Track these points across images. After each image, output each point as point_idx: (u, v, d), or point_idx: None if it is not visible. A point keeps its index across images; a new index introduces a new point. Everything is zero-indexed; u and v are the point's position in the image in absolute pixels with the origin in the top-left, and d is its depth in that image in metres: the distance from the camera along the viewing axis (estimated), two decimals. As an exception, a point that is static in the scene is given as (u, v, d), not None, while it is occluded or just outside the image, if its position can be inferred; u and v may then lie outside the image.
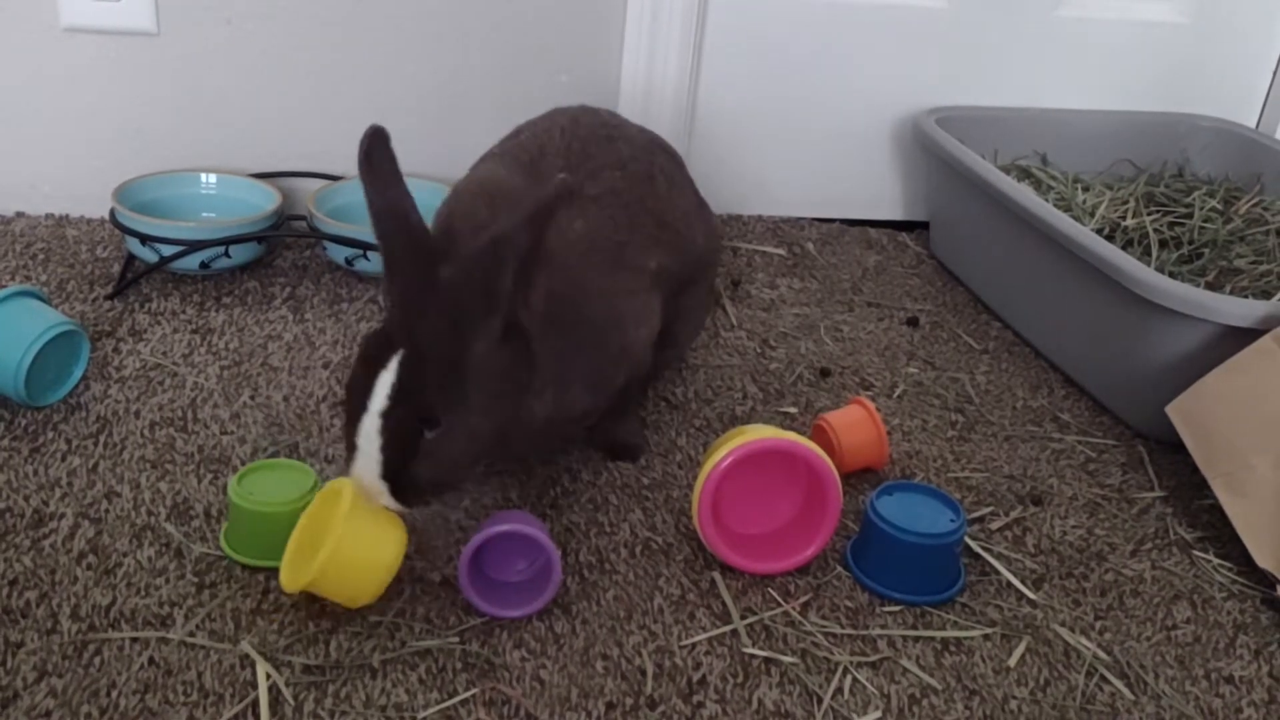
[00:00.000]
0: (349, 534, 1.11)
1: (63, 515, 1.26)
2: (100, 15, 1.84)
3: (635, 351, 1.35)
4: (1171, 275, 1.81)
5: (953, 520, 1.29)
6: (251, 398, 1.50)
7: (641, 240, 1.35)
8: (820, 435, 1.47)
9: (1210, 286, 1.80)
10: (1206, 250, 1.92)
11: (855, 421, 1.46)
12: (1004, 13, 2.17)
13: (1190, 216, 2.02)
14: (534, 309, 1.17)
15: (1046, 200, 1.94)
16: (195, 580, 1.19)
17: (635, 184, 1.39)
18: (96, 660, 1.09)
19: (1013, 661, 1.20)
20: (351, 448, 1.13)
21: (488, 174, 1.40)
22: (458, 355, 1.12)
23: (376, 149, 1.18)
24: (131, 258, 1.77)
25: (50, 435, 1.39)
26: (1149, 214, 1.99)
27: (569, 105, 1.51)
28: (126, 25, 1.85)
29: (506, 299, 1.11)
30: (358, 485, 1.13)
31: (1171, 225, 2.00)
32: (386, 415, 1.10)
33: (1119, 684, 1.19)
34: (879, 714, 1.12)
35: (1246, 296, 1.74)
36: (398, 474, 1.12)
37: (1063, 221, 1.70)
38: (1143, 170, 2.21)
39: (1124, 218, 1.98)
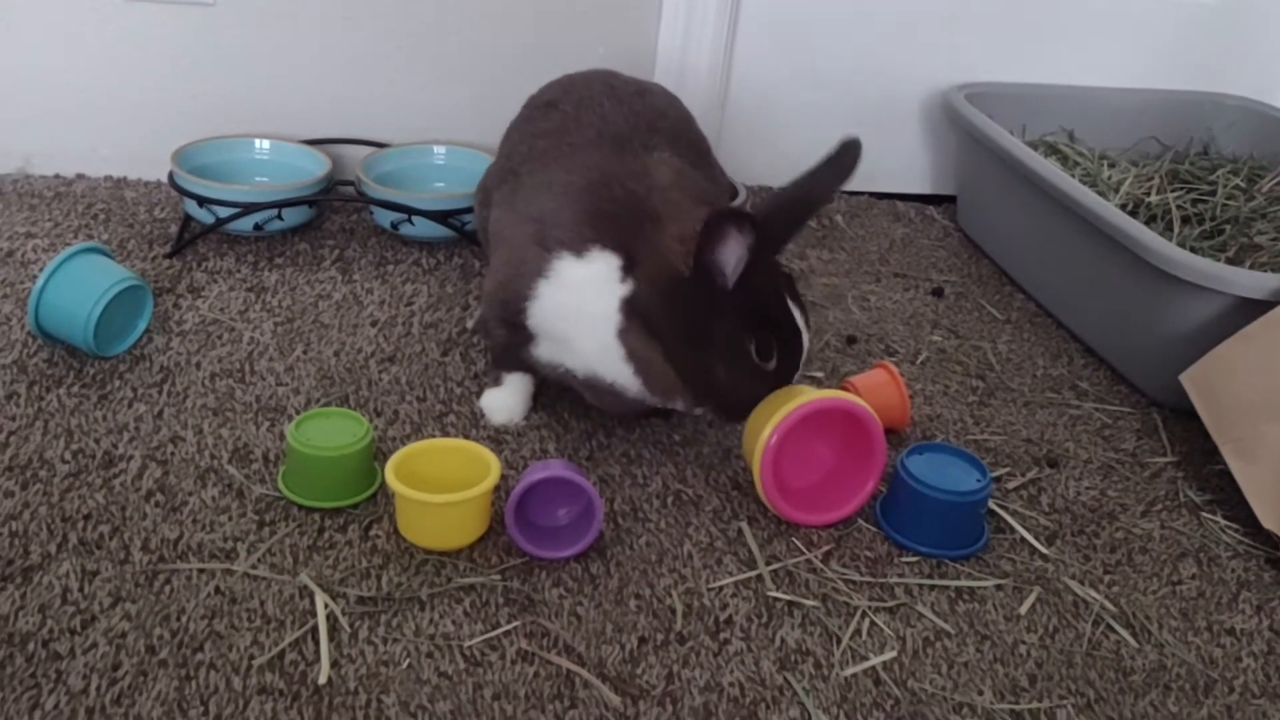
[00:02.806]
0: None
1: (131, 457, 1.35)
2: (160, -15, 1.92)
3: None
4: (1193, 251, 1.86)
5: (979, 480, 1.35)
6: (304, 352, 1.58)
7: (706, 176, 1.49)
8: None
9: (1231, 262, 1.85)
10: (1228, 227, 1.97)
11: (879, 384, 1.53)
12: (1035, -9, 2.22)
13: (1214, 194, 2.06)
14: None
15: (1072, 176, 1.99)
16: (256, 518, 1.28)
17: (682, 128, 1.53)
18: (166, 589, 1.17)
19: (1023, 610, 1.27)
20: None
21: (600, 162, 1.42)
22: None
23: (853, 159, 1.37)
24: (189, 219, 1.86)
25: (117, 384, 1.48)
26: (1173, 191, 2.04)
27: (574, 74, 1.59)
28: (184, -5, 1.93)
29: None
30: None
31: (1195, 202, 2.05)
32: None
33: (1124, 633, 1.25)
34: (894, 654, 1.19)
35: (1266, 271, 1.78)
36: None
37: (1085, 196, 1.75)
38: (1168, 148, 2.26)
39: (1148, 194, 2.03)
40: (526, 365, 1.47)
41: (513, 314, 1.40)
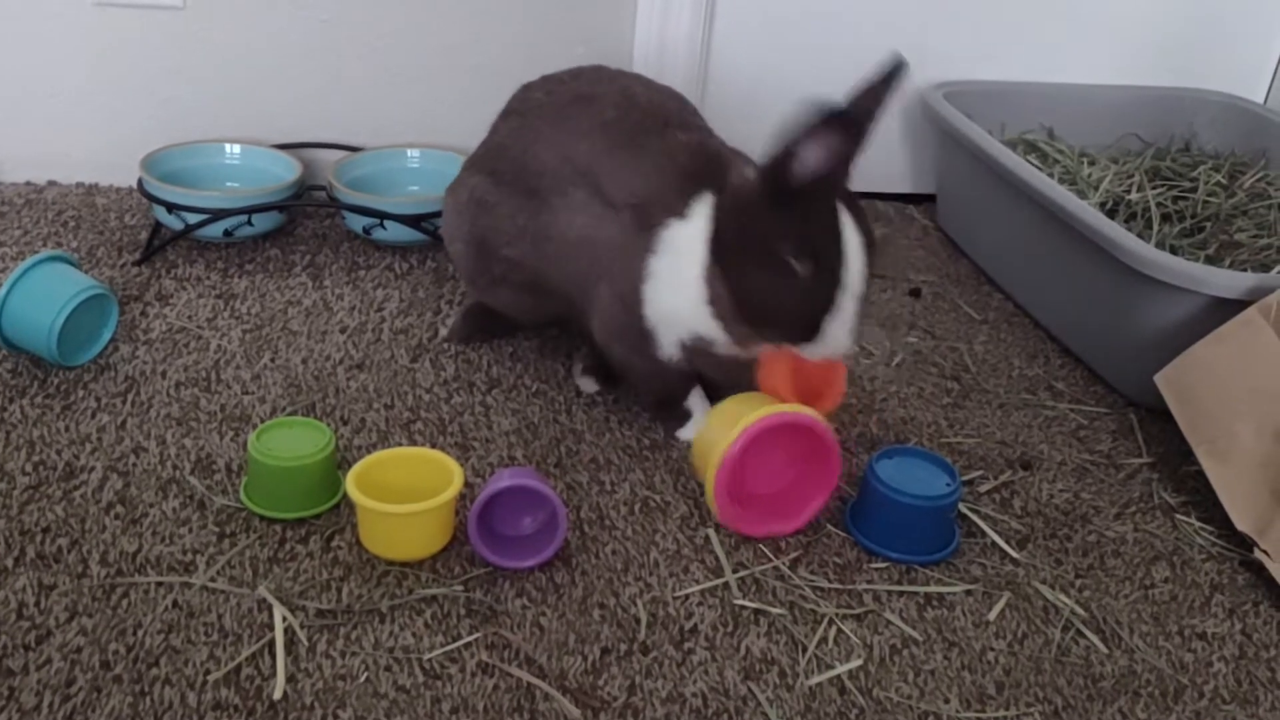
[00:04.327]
0: None
1: (92, 468, 1.34)
2: (129, -10, 1.90)
3: None
4: (1172, 249, 1.85)
5: (949, 484, 1.34)
6: (272, 360, 1.57)
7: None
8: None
9: (1210, 260, 1.83)
10: (1209, 224, 1.96)
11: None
12: (1013, -13, 2.20)
13: (1195, 190, 2.05)
14: None
15: (1052, 174, 1.98)
16: (216, 530, 1.26)
17: (685, 103, 1.55)
18: (124, 602, 1.16)
19: (992, 615, 1.26)
20: (830, 304, 1.28)
21: (679, 142, 1.43)
22: None
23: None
24: (158, 225, 1.84)
25: (81, 394, 1.46)
26: (1154, 188, 2.02)
27: (561, 72, 1.57)
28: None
29: None
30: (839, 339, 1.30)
31: (1176, 199, 2.04)
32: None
33: (1094, 638, 1.24)
34: (860, 662, 1.18)
35: (1246, 270, 1.77)
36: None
37: (1059, 194, 1.74)
38: (1149, 144, 2.24)
39: (1129, 191, 2.02)
40: (679, 379, 1.47)
41: (635, 313, 1.39)
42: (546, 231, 1.46)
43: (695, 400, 1.51)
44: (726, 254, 1.30)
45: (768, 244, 1.26)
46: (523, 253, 1.49)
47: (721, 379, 1.46)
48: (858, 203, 1.30)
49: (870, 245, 1.28)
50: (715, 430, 1.32)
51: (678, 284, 1.35)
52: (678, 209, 1.35)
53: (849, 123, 1.23)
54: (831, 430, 1.32)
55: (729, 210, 1.31)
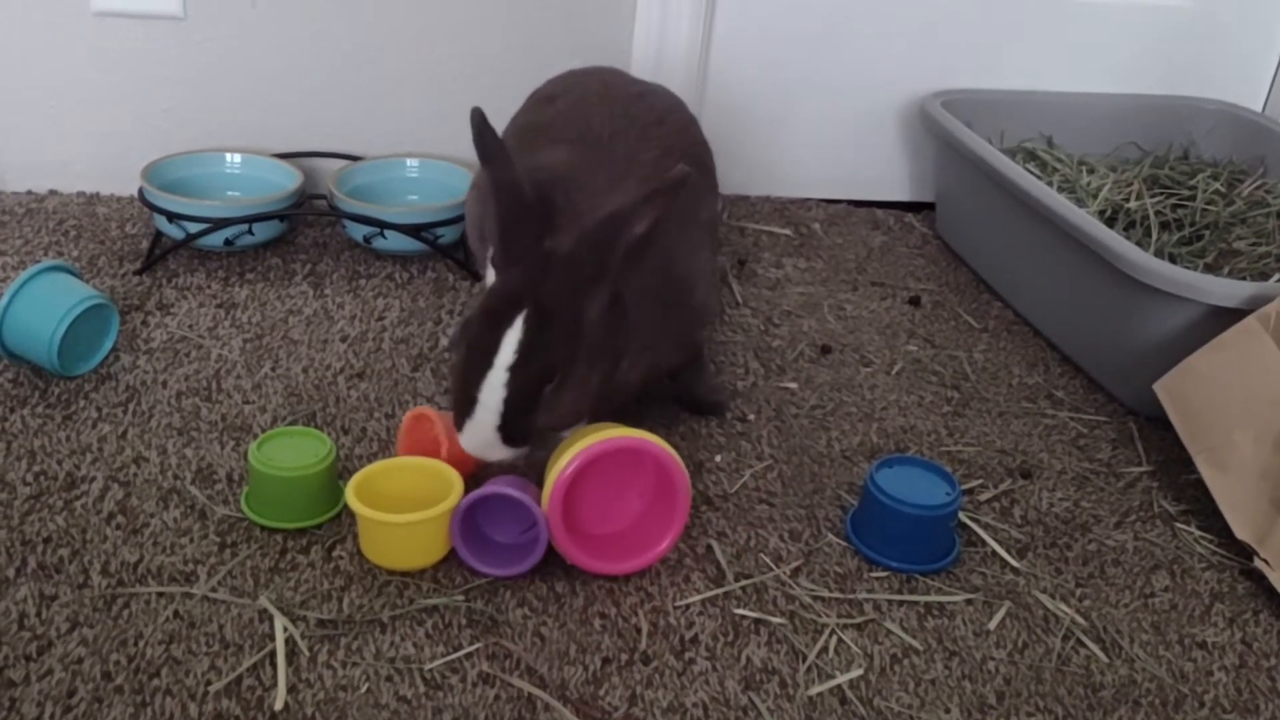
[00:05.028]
0: None
1: (93, 479, 1.34)
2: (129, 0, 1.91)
3: (711, 305, 1.50)
4: (1171, 257, 1.85)
5: (949, 493, 1.34)
6: (272, 369, 1.57)
7: (697, 193, 1.44)
8: (424, 424, 1.38)
9: (1209, 268, 1.84)
10: (1208, 232, 1.96)
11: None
12: (1012, -3, 2.21)
13: (1193, 199, 2.05)
14: (632, 277, 1.26)
15: (1051, 182, 1.98)
16: (217, 540, 1.26)
17: (680, 136, 1.50)
18: (125, 613, 1.16)
19: (993, 625, 1.26)
20: (470, 401, 1.21)
21: (557, 159, 1.41)
22: (575, 318, 1.22)
23: (485, 129, 1.28)
24: (159, 234, 1.84)
25: (82, 404, 1.46)
26: (1152, 196, 2.02)
27: (577, 69, 1.58)
28: (154, 9, 1.92)
29: (616, 270, 1.23)
30: (471, 440, 1.23)
31: (1174, 207, 2.04)
32: (514, 369, 1.20)
33: (1094, 647, 1.24)
34: (861, 672, 1.18)
35: (1244, 278, 1.78)
36: (515, 422, 1.22)
37: (1058, 203, 1.74)
38: (1148, 153, 2.24)
39: (1127, 200, 2.02)
40: None
41: None
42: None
43: None
44: None
45: None
46: None
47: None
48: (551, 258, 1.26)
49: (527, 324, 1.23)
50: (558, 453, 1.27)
51: None
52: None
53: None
54: (680, 464, 1.25)
55: None
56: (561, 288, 1.22)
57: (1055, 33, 2.25)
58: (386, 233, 1.83)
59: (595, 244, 1.22)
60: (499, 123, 1.57)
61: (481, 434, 1.22)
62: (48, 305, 1.47)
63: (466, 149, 1.69)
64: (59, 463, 1.36)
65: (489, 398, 1.21)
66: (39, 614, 1.15)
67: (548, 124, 1.49)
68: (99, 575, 1.20)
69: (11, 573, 1.19)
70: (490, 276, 1.62)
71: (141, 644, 1.12)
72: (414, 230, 1.84)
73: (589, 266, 1.22)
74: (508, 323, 1.20)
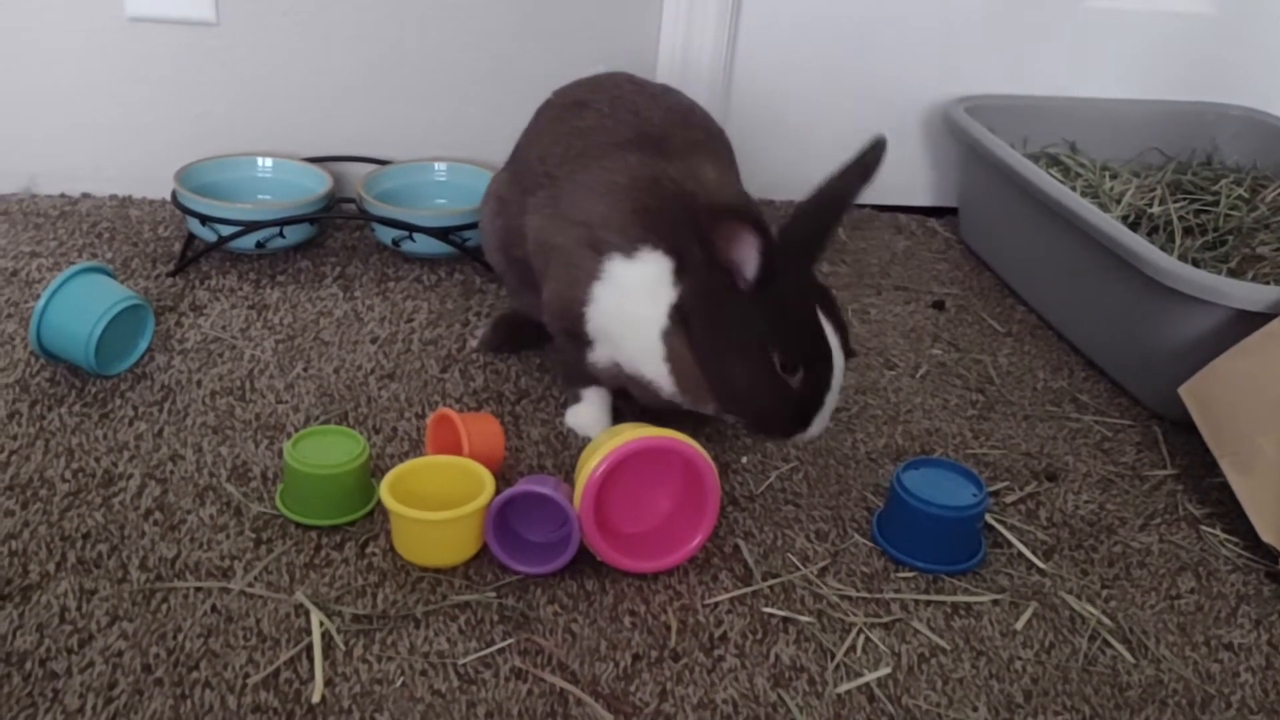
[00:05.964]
0: None
1: (131, 475, 1.36)
2: (163, 5, 1.93)
3: None
4: (1195, 262, 1.86)
5: (975, 494, 1.35)
6: (304, 369, 1.59)
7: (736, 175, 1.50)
8: (446, 425, 1.41)
9: (1232, 273, 1.84)
10: (1231, 237, 1.96)
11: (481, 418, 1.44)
12: (1035, 3, 2.22)
13: (1216, 204, 2.06)
14: None
15: (1074, 187, 1.99)
16: (253, 536, 1.28)
17: (711, 125, 1.54)
18: (164, 607, 1.18)
19: (1019, 625, 1.27)
20: (820, 403, 1.31)
21: (635, 165, 1.41)
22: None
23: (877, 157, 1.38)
24: (192, 237, 1.87)
25: (118, 402, 1.49)
26: (1175, 201, 2.03)
27: (586, 79, 1.58)
28: (188, 15, 1.95)
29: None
30: (819, 428, 1.32)
31: (1197, 213, 2.04)
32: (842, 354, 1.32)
33: (1121, 648, 1.25)
34: (889, 670, 1.19)
35: (1268, 283, 1.78)
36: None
37: (1083, 207, 1.75)
38: (1171, 158, 2.25)
39: (1150, 205, 2.03)
40: (593, 377, 1.49)
41: (571, 321, 1.42)
42: (524, 229, 1.50)
43: (594, 393, 1.52)
44: (700, 335, 1.31)
45: (753, 349, 1.28)
46: (523, 252, 1.52)
47: (648, 405, 1.45)
48: (829, 295, 1.35)
49: (845, 335, 1.33)
50: (589, 452, 1.30)
51: (625, 321, 1.37)
52: (624, 247, 1.36)
53: (750, 218, 1.24)
54: (710, 463, 1.27)
55: (701, 294, 1.31)
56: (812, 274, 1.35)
57: (1079, 39, 2.26)
58: (415, 236, 1.86)
59: (819, 228, 1.35)
60: (520, 124, 1.60)
61: (824, 422, 1.33)
62: (85, 306, 1.49)
63: (493, 153, 1.72)
64: (97, 460, 1.38)
65: (834, 391, 1.31)
66: (79, 607, 1.17)
67: (594, 128, 1.47)
68: (137, 570, 1.22)
69: (52, 567, 1.21)
70: (514, 296, 1.65)
71: (180, 637, 1.14)
72: (442, 233, 1.86)
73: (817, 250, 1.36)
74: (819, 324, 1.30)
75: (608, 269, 1.36)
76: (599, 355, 1.44)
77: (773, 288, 1.27)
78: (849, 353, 1.33)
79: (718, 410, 1.35)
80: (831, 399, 1.31)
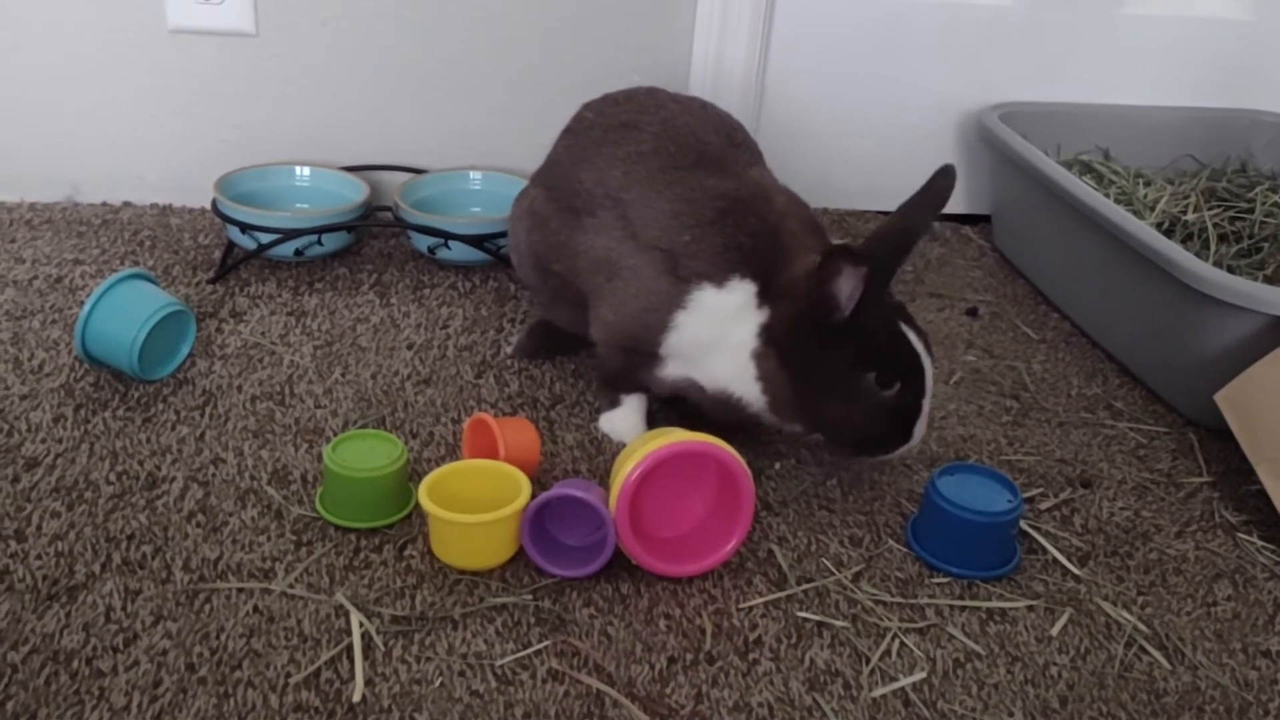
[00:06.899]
0: None
1: (174, 479, 1.38)
2: (203, 17, 1.97)
3: None
4: (1230, 269, 1.85)
5: (1010, 500, 1.35)
6: (342, 375, 1.61)
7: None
8: (482, 430, 1.43)
9: (1269, 280, 1.84)
10: (1266, 244, 1.96)
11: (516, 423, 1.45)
12: (1068, 10, 2.22)
13: (1252, 211, 2.05)
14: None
15: (1108, 195, 1.99)
16: (294, 538, 1.30)
17: (747, 136, 1.58)
18: (206, 607, 1.20)
19: (1055, 631, 1.27)
20: (918, 414, 1.37)
21: (710, 190, 1.43)
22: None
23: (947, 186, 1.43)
24: (231, 245, 1.90)
25: (161, 407, 1.51)
26: (1210, 209, 2.02)
27: (619, 94, 1.59)
28: (228, 26, 1.98)
29: None
30: (919, 434, 1.39)
31: (1233, 220, 2.04)
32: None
33: (1157, 654, 1.25)
34: (924, 675, 1.19)
35: (1305, 290, 1.77)
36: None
37: (1118, 215, 1.75)
38: (1205, 165, 2.24)
39: (1184, 212, 2.02)
40: (644, 385, 1.51)
41: (645, 344, 1.44)
42: (576, 248, 1.50)
43: (635, 399, 1.54)
44: (795, 364, 1.36)
45: (850, 376, 1.34)
46: (566, 268, 1.52)
47: (719, 420, 1.46)
48: (903, 307, 1.41)
49: (926, 341, 1.38)
50: (625, 456, 1.31)
51: (713, 346, 1.40)
52: (714, 276, 1.38)
53: (862, 260, 1.27)
54: (745, 467, 1.28)
55: (792, 321, 1.36)
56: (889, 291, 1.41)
57: (1112, 46, 2.26)
58: (450, 243, 1.88)
59: (897, 251, 1.40)
60: (553, 133, 1.61)
61: (923, 429, 1.39)
62: (129, 311, 1.51)
63: (527, 162, 1.73)
64: (140, 463, 1.40)
65: (929, 396, 1.38)
66: (124, 608, 1.19)
67: (654, 152, 1.47)
68: (181, 571, 1.24)
69: (97, 568, 1.24)
70: (546, 310, 1.65)
71: (223, 637, 1.16)
72: (477, 241, 1.88)
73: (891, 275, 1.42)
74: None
75: (696, 298, 1.39)
76: (670, 371, 1.46)
77: (861, 308, 1.32)
78: (928, 344, 1.38)
79: (807, 431, 1.42)
80: (927, 405, 1.37)
